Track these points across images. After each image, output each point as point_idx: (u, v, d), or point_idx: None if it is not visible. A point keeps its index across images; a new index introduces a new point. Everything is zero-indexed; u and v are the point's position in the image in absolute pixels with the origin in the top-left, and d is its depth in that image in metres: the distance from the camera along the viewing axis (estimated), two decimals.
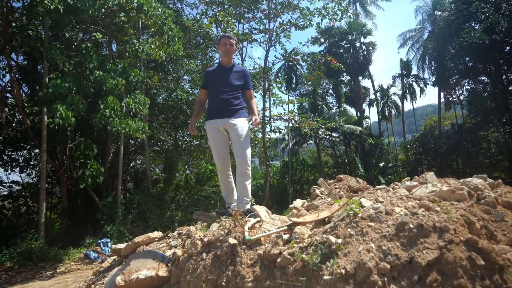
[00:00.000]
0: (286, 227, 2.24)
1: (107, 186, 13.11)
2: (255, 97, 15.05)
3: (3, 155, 13.72)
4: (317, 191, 3.60)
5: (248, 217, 2.83)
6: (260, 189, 24.28)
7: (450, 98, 27.56)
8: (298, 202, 3.59)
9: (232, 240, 2.28)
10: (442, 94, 27.68)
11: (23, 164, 14.02)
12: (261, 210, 3.27)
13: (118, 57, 11.42)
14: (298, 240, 2.05)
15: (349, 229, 1.80)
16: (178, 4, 16.48)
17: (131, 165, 17.89)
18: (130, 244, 3.95)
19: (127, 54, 10.68)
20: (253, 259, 2.12)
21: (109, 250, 9.63)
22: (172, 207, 18.66)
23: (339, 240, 1.76)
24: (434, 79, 24.43)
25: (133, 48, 10.25)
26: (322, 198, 3.33)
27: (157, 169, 19.70)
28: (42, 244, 8.86)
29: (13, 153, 14.00)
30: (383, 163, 25.69)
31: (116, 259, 4.32)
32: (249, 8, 13.46)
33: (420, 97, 31.91)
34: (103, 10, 7.98)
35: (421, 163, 25.64)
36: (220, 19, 11.26)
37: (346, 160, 28.78)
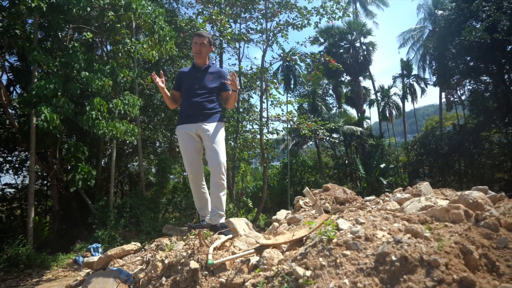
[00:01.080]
0: (253, 250, 1.94)
1: (101, 189, 12.84)
2: (251, 97, 14.73)
3: None
4: (301, 202, 3.29)
5: (219, 233, 2.53)
6: (260, 191, 23.98)
7: (452, 98, 27.18)
8: (281, 214, 3.30)
9: (193, 264, 1.98)
10: (443, 94, 27.30)
11: (18, 166, 13.78)
12: (240, 223, 2.97)
13: (111, 58, 11.16)
14: (266, 266, 1.76)
15: (320, 259, 1.50)
16: (174, 4, 16.22)
17: (128, 167, 17.64)
18: (103, 257, 3.66)
19: (120, 54, 10.41)
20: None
21: (100, 255, 9.37)
22: (170, 209, 18.43)
23: (308, 273, 1.46)
24: (435, 79, 24.05)
25: (126, 48, 9.99)
26: (306, 210, 3.04)
27: (154, 171, 19.46)
28: (29, 250, 8.60)
29: (8, 155, 13.77)
30: (384, 164, 25.32)
31: (90, 273, 4.04)
32: (246, 8, 13.21)
33: (421, 97, 31.58)
34: (88, 9, 7.68)
35: (422, 164, 25.29)
36: (214, 17, 10.96)
37: (346, 161, 28.43)
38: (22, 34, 9.24)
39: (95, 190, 12.41)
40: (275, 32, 13.32)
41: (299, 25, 13.12)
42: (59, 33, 9.98)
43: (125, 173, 17.00)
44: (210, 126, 3.12)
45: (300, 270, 1.48)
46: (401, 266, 1.32)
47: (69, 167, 9.90)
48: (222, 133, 3.18)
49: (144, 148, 15.46)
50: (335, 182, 27.99)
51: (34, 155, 9.24)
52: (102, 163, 13.99)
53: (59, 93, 7.53)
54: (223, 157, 3.05)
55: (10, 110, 10.67)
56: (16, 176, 14.00)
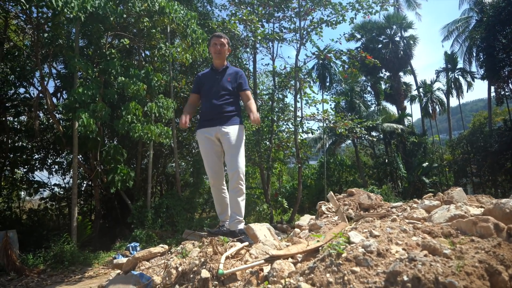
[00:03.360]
0: (263, 261, 1.87)
1: (139, 189, 13.30)
2: (286, 97, 14.58)
3: (47, 159, 14.46)
4: (323, 208, 3.16)
5: (237, 240, 2.48)
6: (296, 191, 23.79)
7: (502, 92, 25.31)
8: (305, 219, 3.20)
9: (204, 273, 1.95)
10: (492, 88, 25.51)
11: (66, 167, 14.68)
12: (261, 229, 2.91)
13: (148, 63, 11.53)
14: (275, 279, 1.68)
15: (327, 275, 1.40)
16: (208, 7, 16.44)
17: (166, 168, 18.14)
18: (131, 259, 3.75)
19: (155, 59, 10.73)
20: None
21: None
22: (207, 209, 18.73)
23: None
24: (482, 72, 22.59)
25: (160, 53, 10.26)
26: (328, 217, 2.91)
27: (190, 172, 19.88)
28: (73, 248, 9.07)
29: (56, 158, 14.71)
30: (426, 163, 24.15)
31: (120, 273, 4.15)
32: (279, 7, 13.12)
33: (467, 92, 29.72)
34: (125, 16, 7.96)
35: (469, 163, 23.87)
36: (244, 17, 10.98)
37: (386, 160, 27.43)
38: (65, 43, 9.80)
39: (134, 191, 12.88)
40: (309, 30, 13.10)
41: (334, 22, 12.82)
42: (100, 41, 10.48)
43: (162, 174, 17.49)
44: (230, 129, 3.08)
45: (306, 287, 1.39)
46: (413, 287, 1.19)
47: (108, 169, 10.34)
48: (241, 137, 3.13)
49: (180, 150, 15.82)
50: (375, 181, 27.09)
51: (77, 158, 9.75)
52: (141, 164, 14.48)
53: (97, 99, 7.87)
54: (242, 162, 3.00)
55: (56, 115, 11.34)
56: (63, 177, 14.90)
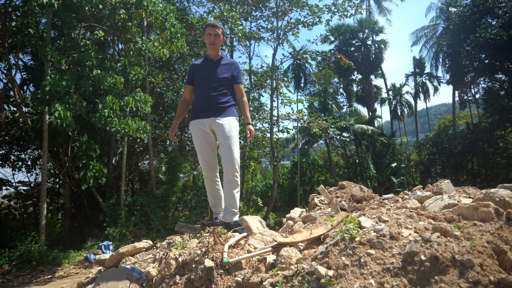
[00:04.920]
0: (270, 249, 1.87)
1: (111, 187, 12.90)
2: (262, 96, 14.62)
3: (11, 155, 13.69)
4: (316, 200, 3.21)
5: (233, 231, 2.47)
6: (269, 190, 23.93)
7: (465, 97, 26.71)
8: (295, 212, 3.22)
9: (208, 263, 1.92)
10: (456, 92, 26.83)
11: (30, 164, 13.96)
12: (253, 221, 2.90)
13: (122, 56, 11.20)
14: (284, 265, 1.69)
15: (343, 258, 1.43)
16: (185, 2, 16.22)
17: (139, 165, 17.72)
18: (115, 255, 3.63)
19: (131, 52, 10.44)
20: (231, 287, 1.77)
21: (111, 253, 9.41)
22: (180, 207, 18.45)
23: (330, 272, 1.39)
24: (448, 77, 23.67)
25: (136, 46, 10.01)
26: (321, 208, 2.95)
27: (164, 170, 19.53)
28: (41, 247, 8.67)
29: (20, 153, 13.96)
30: (395, 164, 25.03)
31: (102, 270, 4.02)
32: (257, 6, 13.14)
33: (433, 96, 31.03)
34: (100, 6, 7.70)
35: (434, 164, 24.92)
36: (225, 13, 10.91)
37: (357, 161, 28.17)
38: (35, 33, 9.34)
39: (106, 188, 12.48)
40: (286, 30, 13.22)
41: (310, 23, 13.01)
42: (72, 32, 10.06)
43: (135, 171, 17.08)
44: (224, 121, 3.05)
45: (322, 270, 1.40)
46: (432, 266, 1.24)
47: (80, 165, 9.96)
48: (236, 128, 3.10)
49: (155, 147, 15.51)
50: (345, 181, 27.74)
51: (47, 153, 9.32)
52: (113, 161, 14.06)
53: (71, 91, 7.56)
54: (236, 154, 2.98)
55: (23, 108, 10.78)
56: (29, 174, 14.17)
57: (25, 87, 13.00)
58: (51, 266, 8.53)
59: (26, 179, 14.35)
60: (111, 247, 9.62)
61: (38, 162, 13.99)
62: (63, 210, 14.79)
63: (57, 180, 14.82)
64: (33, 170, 14.19)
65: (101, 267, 4.21)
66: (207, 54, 3.30)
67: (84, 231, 12.72)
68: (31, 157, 13.99)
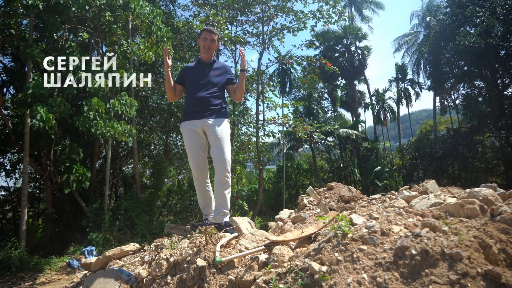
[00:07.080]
0: (263, 247, 1.89)
1: (95, 191, 12.66)
2: (248, 100, 14.69)
3: None
4: (305, 201, 3.25)
5: (224, 232, 2.48)
6: (255, 194, 23.93)
7: (446, 103, 27.42)
8: (284, 213, 3.25)
9: (200, 262, 1.93)
10: (437, 98, 27.52)
11: (10, 168, 13.54)
12: (243, 222, 2.92)
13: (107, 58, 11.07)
14: (276, 263, 1.71)
15: (336, 254, 1.46)
16: (170, 6, 16.17)
17: (123, 169, 17.45)
18: (101, 258, 3.58)
19: (116, 55, 10.33)
20: (223, 285, 1.78)
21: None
22: (165, 212, 18.24)
23: (324, 268, 1.42)
24: (429, 83, 24.27)
25: (122, 49, 9.91)
26: (310, 209, 2.99)
27: (148, 174, 19.29)
28: (22, 253, 8.44)
29: (0, 157, 13.54)
30: (379, 168, 25.45)
31: (87, 274, 3.95)
32: (242, 11, 13.20)
33: (415, 101, 31.72)
34: (87, 7, 7.61)
35: (416, 168, 25.41)
36: (211, 18, 10.93)
37: (341, 165, 28.49)
38: (17, 33, 9.14)
39: (89, 193, 12.25)
40: (271, 35, 13.32)
41: (295, 29, 13.15)
42: (54, 34, 9.88)
43: (119, 175, 16.82)
44: (216, 122, 3.07)
45: (316, 266, 1.43)
46: (422, 260, 1.28)
47: (63, 169, 9.76)
48: (227, 130, 3.13)
49: (139, 151, 15.33)
50: (334, 182, 27.99)
51: (28, 157, 9.10)
52: (97, 165, 13.82)
53: (55, 93, 7.43)
54: (228, 155, 3.00)
55: (3, 111, 10.51)
56: (8, 179, 13.76)
57: (4, 90, 12.68)
58: (32, 273, 8.32)
59: (5, 184, 13.97)
60: (94, 253, 9.43)
61: (18, 166, 13.62)
62: (44, 215, 14.42)
63: (38, 184, 14.46)
64: (12, 174, 13.77)
65: (86, 271, 4.14)
66: (200, 58, 3.33)
67: (66, 236, 12.44)
68: (9, 161, 13.59)
